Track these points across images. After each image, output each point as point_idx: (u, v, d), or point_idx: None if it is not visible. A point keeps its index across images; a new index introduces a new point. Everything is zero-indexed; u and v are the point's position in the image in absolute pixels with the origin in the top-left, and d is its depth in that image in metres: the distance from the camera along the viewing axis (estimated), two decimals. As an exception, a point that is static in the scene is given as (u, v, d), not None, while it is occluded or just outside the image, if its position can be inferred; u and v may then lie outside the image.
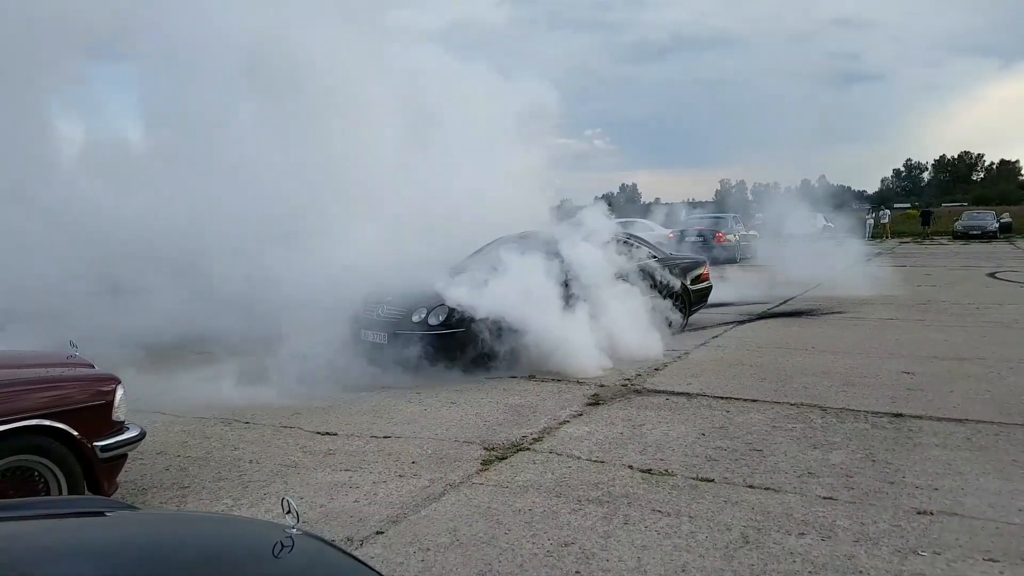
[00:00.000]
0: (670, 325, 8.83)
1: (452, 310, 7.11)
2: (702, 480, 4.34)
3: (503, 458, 4.81)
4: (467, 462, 4.74)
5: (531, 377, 7.17)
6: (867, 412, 5.67)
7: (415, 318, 7.22)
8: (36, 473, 3.50)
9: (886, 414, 5.60)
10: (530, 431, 5.39)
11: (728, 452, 4.82)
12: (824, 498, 4.02)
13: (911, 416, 5.53)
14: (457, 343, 7.12)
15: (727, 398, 6.21)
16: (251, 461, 4.85)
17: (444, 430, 5.46)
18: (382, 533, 3.68)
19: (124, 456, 3.94)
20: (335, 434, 5.43)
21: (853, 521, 3.71)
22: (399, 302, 7.48)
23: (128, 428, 3.92)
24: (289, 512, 1.82)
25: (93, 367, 4.12)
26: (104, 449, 3.70)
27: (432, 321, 7.14)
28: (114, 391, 3.83)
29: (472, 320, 7.04)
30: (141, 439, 4.00)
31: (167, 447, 5.15)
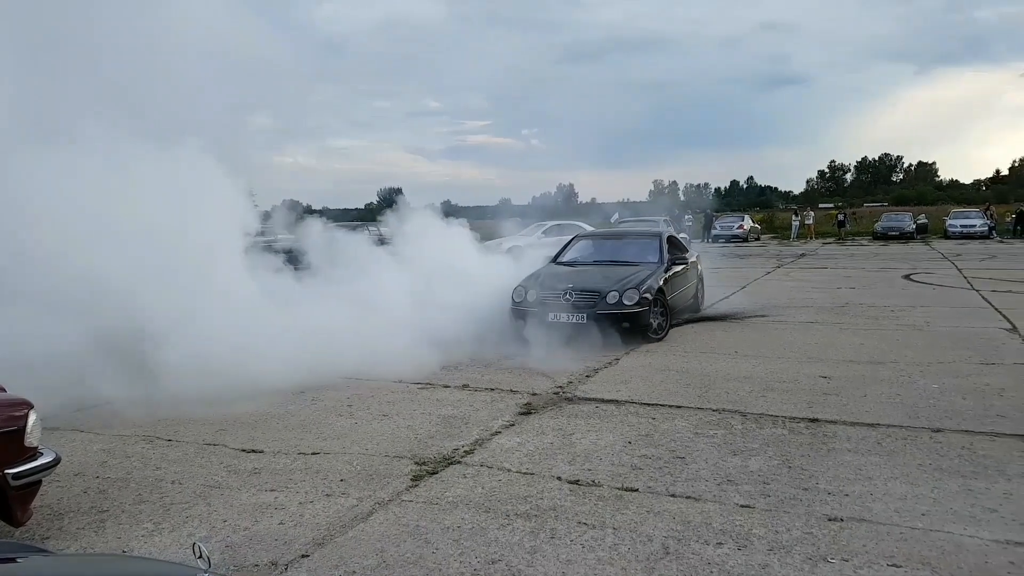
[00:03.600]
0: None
1: (641, 292, 9.29)
2: (627, 490, 4.46)
3: (434, 472, 4.83)
4: (397, 478, 4.74)
5: (464, 386, 7.21)
6: (785, 418, 5.92)
7: (610, 300, 9.19)
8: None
9: (803, 419, 5.86)
10: (462, 443, 5.42)
11: (652, 460, 4.96)
12: (742, 506, 4.19)
13: (826, 421, 5.80)
14: (644, 318, 9.27)
15: (653, 404, 6.39)
16: (173, 482, 4.73)
17: (375, 444, 5.44)
18: (307, 556, 3.65)
19: (38, 483, 3.79)
20: (261, 451, 5.34)
21: (768, 529, 3.88)
22: (587, 288, 9.38)
23: (42, 453, 3.78)
24: (200, 557, 1.81)
25: (4, 390, 3.95)
26: (16, 477, 3.55)
27: (627, 301, 9.16)
28: (26, 416, 3.68)
29: (650, 300, 9.35)
30: (56, 464, 3.86)
31: (85, 468, 4.98)
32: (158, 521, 4.12)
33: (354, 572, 3.47)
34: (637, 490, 4.45)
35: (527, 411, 6.24)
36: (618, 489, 4.47)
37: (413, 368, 7.84)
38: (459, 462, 5.03)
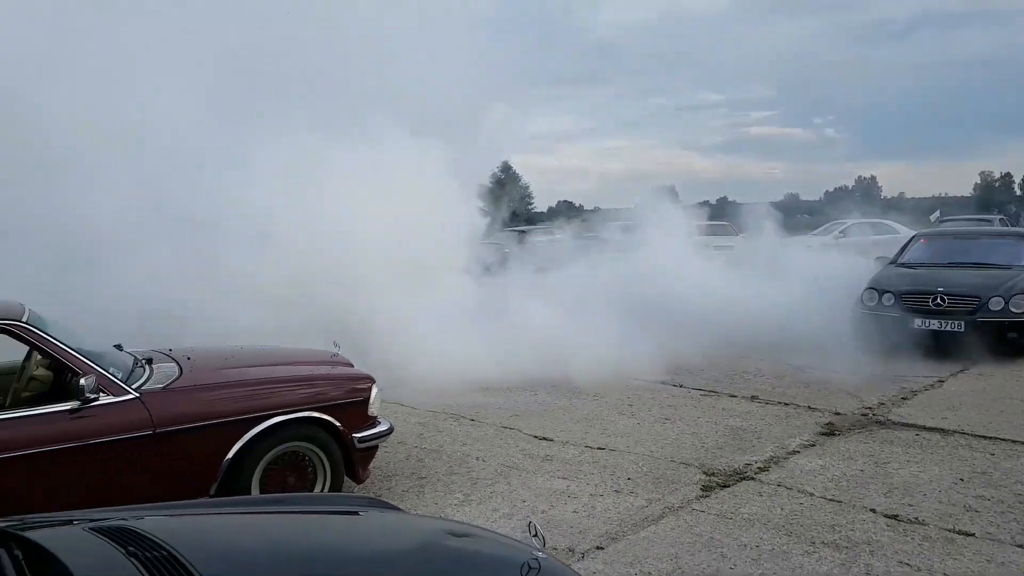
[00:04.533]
0: None
1: None
2: (960, 533, 3.85)
3: (725, 486, 4.63)
4: (686, 485, 4.63)
5: (753, 398, 6.84)
6: None
7: (993, 306, 8.15)
8: (306, 458, 4.01)
9: None
10: (755, 459, 5.14)
11: (992, 503, 4.23)
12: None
13: None
14: None
15: (991, 438, 5.45)
16: (478, 458, 5.15)
17: (659, 448, 5.38)
18: (602, 549, 3.72)
19: (376, 447, 4.38)
20: (551, 440, 5.59)
21: None
22: (962, 293, 8.40)
23: (380, 422, 4.36)
24: (536, 535, 1.90)
25: (352, 366, 4.63)
26: (361, 440, 4.14)
27: (1014, 308, 8.11)
28: (369, 389, 4.27)
29: None
30: (390, 433, 4.42)
31: (406, 438, 5.63)
32: (467, 493, 4.51)
33: (649, 573, 3.46)
34: (973, 535, 3.82)
35: (830, 432, 5.71)
36: (948, 531, 3.88)
37: (686, 372, 7.73)
38: (752, 478, 4.77)
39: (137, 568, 1.43)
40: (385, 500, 2.50)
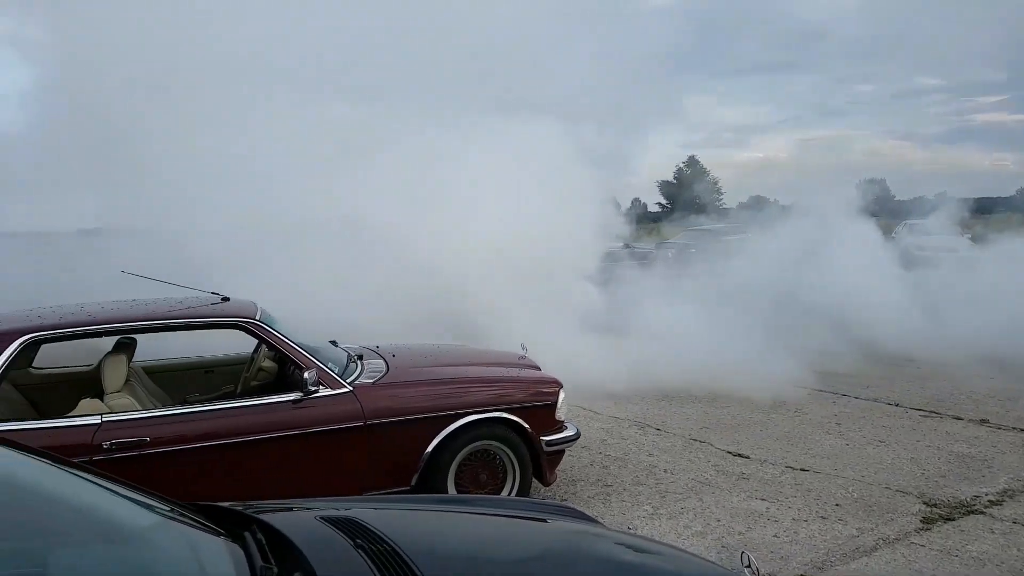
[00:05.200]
0: None
1: None
2: None
3: (949, 519, 4.13)
4: (903, 516, 4.18)
5: (983, 422, 6.04)
6: None
7: None
8: (497, 457, 4.11)
9: None
10: (985, 490, 4.53)
11: None
12: None
13: None
14: None
15: None
16: (666, 470, 5.00)
17: (871, 473, 4.91)
18: (807, 579, 3.46)
19: (563, 451, 4.40)
20: (747, 457, 5.29)
21: None
22: None
23: (567, 427, 4.37)
24: (749, 566, 1.78)
25: (539, 369, 4.68)
26: (548, 444, 4.18)
27: None
28: (557, 393, 4.29)
29: None
30: (577, 438, 4.42)
31: (589, 443, 5.60)
32: (656, 505, 4.39)
33: (863, 612, 3.15)
34: None
35: (1082, 466, 4.90)
36: None
37: (901, 387, 7.01)
38: (982, 512, 4.21)
39: (366, 562, 1.51)
40: (579, 509, 2.48)
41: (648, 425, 6.10)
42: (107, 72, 8.53)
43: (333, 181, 8.39)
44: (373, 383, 3.95)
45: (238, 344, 4.55)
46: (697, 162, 61.52)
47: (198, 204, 8.11)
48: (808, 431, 5.90)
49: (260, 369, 4.58)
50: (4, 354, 3.37)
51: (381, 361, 4.36)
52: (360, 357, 4.38)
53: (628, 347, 7.81)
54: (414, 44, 9.96)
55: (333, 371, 3.87)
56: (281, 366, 4.48)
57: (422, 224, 8.19)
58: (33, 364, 4.27)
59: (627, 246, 14.67)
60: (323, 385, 3.73)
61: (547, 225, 8.52)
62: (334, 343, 4.64)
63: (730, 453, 5.36)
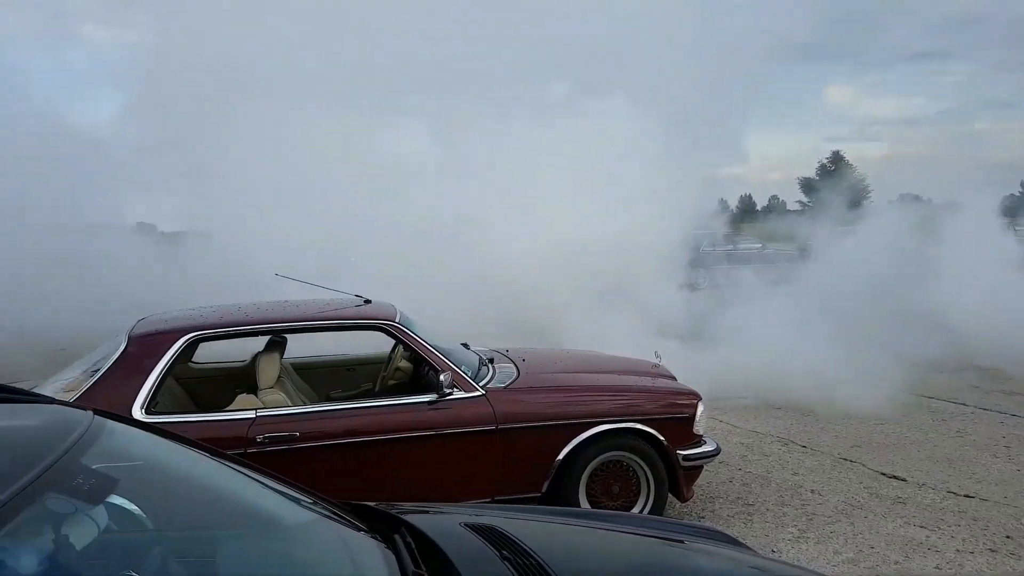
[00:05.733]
0: None
1: None
2: None
3: None
4: (1097, 557, 3.67)
5: None
6: None
7: None
8: (631, 470, 3.98)
9: None
10: None
11: None
12: None
13: None
14: None
15: None
16: (812, 491, 4.67)
17: (1054, 504, 4.36)
18: (982, 622, 3.10)
19: (701, 467, 4.21)
20: (903, 479, 4.85)
21: None
22: None
23: (706, 441, 4.17)
24: None
25: (675, 379, 4.50)
26: (686, 458, 4.00)
27: None
28: (695, 405, 4.10)
29: None
30: (716, 454, 4.21)
31: (728, 458, 5.34)
32: (803, 528, 4.11)
33: (1054, 667, 2.78)
34: None
35: None
36: None
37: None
38: None
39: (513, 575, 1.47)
40: (728, 533, 2.33)
41: (792, 442, 5.74)
42: (203, 81, 9.34)
43: (422, 185, 8.79)
44: (504, 387, 3.95)
45: (374, 343, 4.70)
46: (842, 157, 57.94)
47: (286, 210, 8.72)
48: (972, 453, 5.34)
49: (397, 368, 4.70)
50: (171, 351, 3.63)
51: (512, 365, 4.35)
52: (491, 361, 4.40)
53: (746, 357, 7.41)
54: (509, 37, 10.20)
55: (467, 374, 3.90)
56: (416, 366, 4.58)
57: (503, 224, 8.42)
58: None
59: (763, 247, 14.05)
60: (457, 388, 3.76)
61: (638, 228, 8.67)
62: (465, 345, 4.69)
63: (884, 475, 4.94)
